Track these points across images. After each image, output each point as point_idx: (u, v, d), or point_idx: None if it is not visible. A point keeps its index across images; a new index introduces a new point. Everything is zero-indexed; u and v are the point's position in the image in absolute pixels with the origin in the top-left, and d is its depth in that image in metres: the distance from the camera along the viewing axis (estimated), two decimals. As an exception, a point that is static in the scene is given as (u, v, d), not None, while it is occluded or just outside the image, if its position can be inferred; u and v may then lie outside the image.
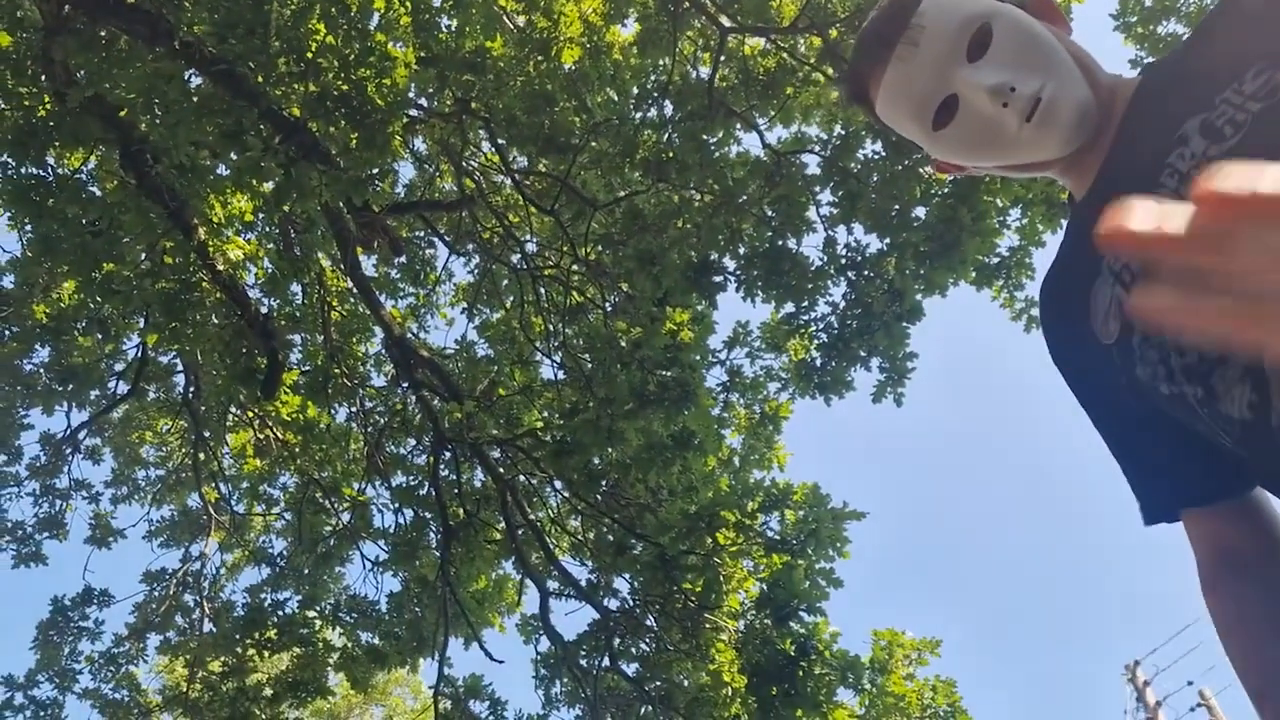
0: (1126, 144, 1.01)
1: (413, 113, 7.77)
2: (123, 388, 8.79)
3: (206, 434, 9.21)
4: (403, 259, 9.43)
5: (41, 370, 8.10)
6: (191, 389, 8.91)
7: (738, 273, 6.51)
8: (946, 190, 6.27)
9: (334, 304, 9.26)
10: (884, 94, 1.12)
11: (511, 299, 9.15)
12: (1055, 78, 1.02)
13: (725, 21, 6.36)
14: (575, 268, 8.13)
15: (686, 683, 7.46)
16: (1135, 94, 1.04)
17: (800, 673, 6.81)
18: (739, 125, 6.88)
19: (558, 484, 8.66)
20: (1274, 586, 0.97)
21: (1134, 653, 19.77)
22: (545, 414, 8.70)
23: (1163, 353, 0.88)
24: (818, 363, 6.68)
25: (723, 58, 6.72)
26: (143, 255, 7.47)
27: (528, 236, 9.15)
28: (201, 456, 9.25)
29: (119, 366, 8.75)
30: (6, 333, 7.87)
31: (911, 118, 1.11)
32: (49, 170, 7.09)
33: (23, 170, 6.90)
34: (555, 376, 8.78)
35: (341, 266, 8.70)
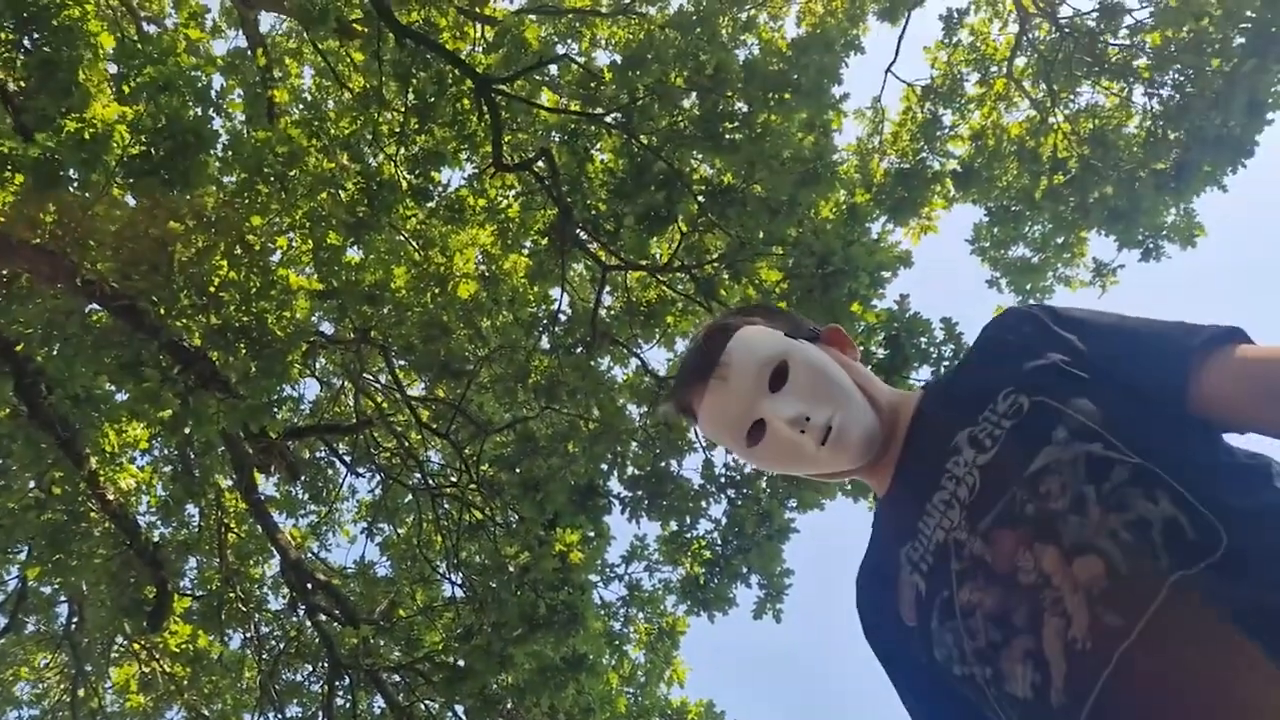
0: (914, 453, 1.18)
1: (313, 338, 7.98)
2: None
3: (88, 668, 8.82)
4: (303, 479, 9.43)
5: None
6: (74, 620, 8.60)
7: (622, 495, 6.72)
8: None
9: (231, 525, 9.16)
10: (703, 415, 1.30)
11: (412, 516, 9.17)
12: (844, 407, 1.20)
13: (607, 260, 6.83)
14: (472, 486, 8.24)
15: None
16: (917, 410, 1.21)
17: None
18: (625, 350, 7.27)
19: (458, 708, 8.43)
20: None
21: None
22: (445, 635, 8.56)
23: (956, 636, 0.99)
24: (701, 579, 6.82)
25: (607, 288, 7.17)
26: (31, 484, 7.39)
27: (427, 456, 9.27)
28: (81, 693, 8.82)
29: (-3, 598, 8.45)
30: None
31: (729, 436, 1.28)
32: (-63, 404, 7.06)
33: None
34: (454, 595, 8.71)
35: (239, 491, 8.66)
